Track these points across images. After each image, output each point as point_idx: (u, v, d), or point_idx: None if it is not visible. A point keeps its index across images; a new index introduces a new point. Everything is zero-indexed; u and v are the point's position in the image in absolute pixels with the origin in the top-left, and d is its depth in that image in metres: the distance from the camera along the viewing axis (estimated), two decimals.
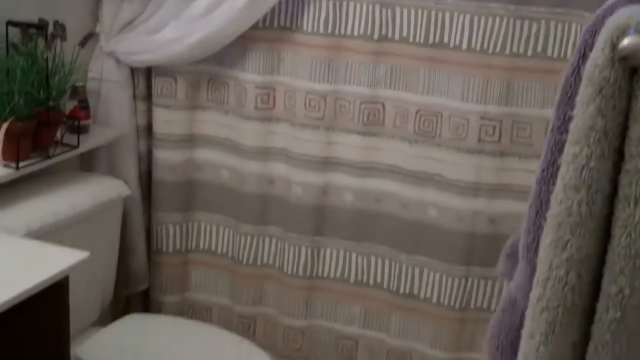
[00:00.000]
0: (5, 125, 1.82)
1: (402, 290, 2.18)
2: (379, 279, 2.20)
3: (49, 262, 1.52)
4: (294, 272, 2.24)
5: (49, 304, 1.51)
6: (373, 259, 2.20)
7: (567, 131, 0.89)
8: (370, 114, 2.10)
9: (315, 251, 2.23)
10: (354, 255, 2.21)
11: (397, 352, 2.21)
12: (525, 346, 0.95)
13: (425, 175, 2.08)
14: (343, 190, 2.17)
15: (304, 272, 2.24)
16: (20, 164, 1.86)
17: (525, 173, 1.98)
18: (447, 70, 2.00)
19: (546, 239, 0.90)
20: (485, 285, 2.10)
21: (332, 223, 2.20)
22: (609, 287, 0.88)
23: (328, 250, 2.23)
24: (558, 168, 0.91)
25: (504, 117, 1.98)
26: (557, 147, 0.93)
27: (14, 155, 1.84)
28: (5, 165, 1.85)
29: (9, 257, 1.55)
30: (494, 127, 1.99)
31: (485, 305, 2.10)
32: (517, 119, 1.98)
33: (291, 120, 2.16)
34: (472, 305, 2.12)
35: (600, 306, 0.89)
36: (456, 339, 2.14)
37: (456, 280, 2.10)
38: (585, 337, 0.92)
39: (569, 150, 0.87)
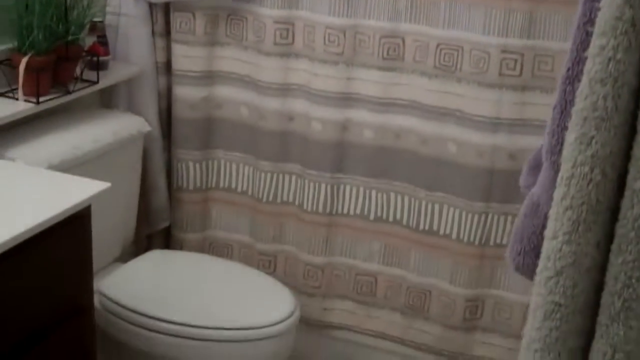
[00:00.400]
0: (25, 60, 1.82)
1: (421, 226, 2.18)
2: (398, 216, 2.20)
3: (71, 191, 1.53)
4: (314, 209, 2.25)
5: (71, 234, 1.52)
6: (393, 195, 2.19)
7: (593, 26, 0.88)
8: (390, 49, 2.08)
9: (335, 188, 2.22)
10: (373, 192, 2.21)
11: (417, 288, 2.22)
12: (547, 247, 0.94)
13: (445, 111, 2.07)
14: (362, 126, 2.15)
15: (324, 209, 2.24)
16: (41, 99, 1.87)
17: (547, 107, 1.89)
18: (468, 3, 1.97)
19: (570, 135, 0.90)
20: (505, 221, 2.09)
21: (352, 159, 2.19)
22: (634, 183, 0.87)
23: (348, 187, 2.22)
24: (583, 66, 0.90)
25: (525, 50, 1.95)
26: (583, 45, 0.91)
27: (34, 89, 1.85)
28: (26, 100, 1.86)
29: (32, 187, 1.56)
30: (515, 61, 1.97)
31: (504, 241, 2.09)
32: (539, 52, 1.95)
33: (310, 56, 2.14)
34: (491, 242, 2.11)
35: (625, 203, 0.89)
36: (476, 275, 2.14)
37: (476, 216, 2.10)
38: (609, 236, 0.91)
39: (595, 42, 0.86)
